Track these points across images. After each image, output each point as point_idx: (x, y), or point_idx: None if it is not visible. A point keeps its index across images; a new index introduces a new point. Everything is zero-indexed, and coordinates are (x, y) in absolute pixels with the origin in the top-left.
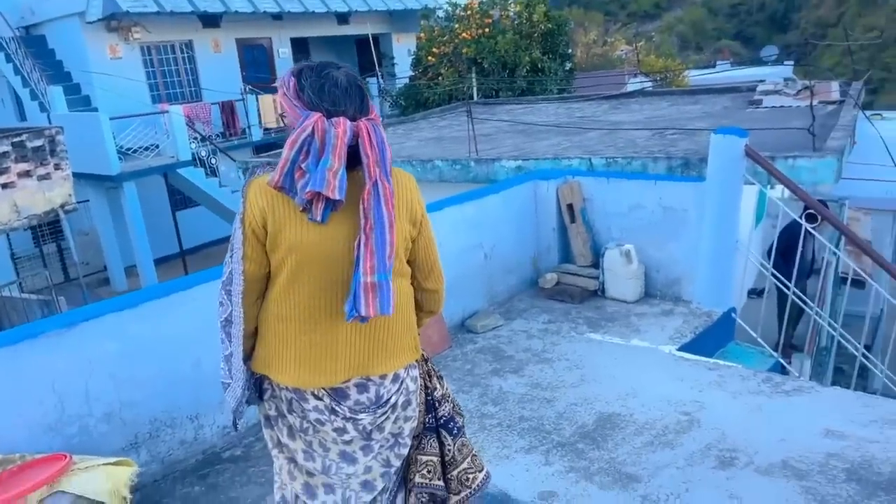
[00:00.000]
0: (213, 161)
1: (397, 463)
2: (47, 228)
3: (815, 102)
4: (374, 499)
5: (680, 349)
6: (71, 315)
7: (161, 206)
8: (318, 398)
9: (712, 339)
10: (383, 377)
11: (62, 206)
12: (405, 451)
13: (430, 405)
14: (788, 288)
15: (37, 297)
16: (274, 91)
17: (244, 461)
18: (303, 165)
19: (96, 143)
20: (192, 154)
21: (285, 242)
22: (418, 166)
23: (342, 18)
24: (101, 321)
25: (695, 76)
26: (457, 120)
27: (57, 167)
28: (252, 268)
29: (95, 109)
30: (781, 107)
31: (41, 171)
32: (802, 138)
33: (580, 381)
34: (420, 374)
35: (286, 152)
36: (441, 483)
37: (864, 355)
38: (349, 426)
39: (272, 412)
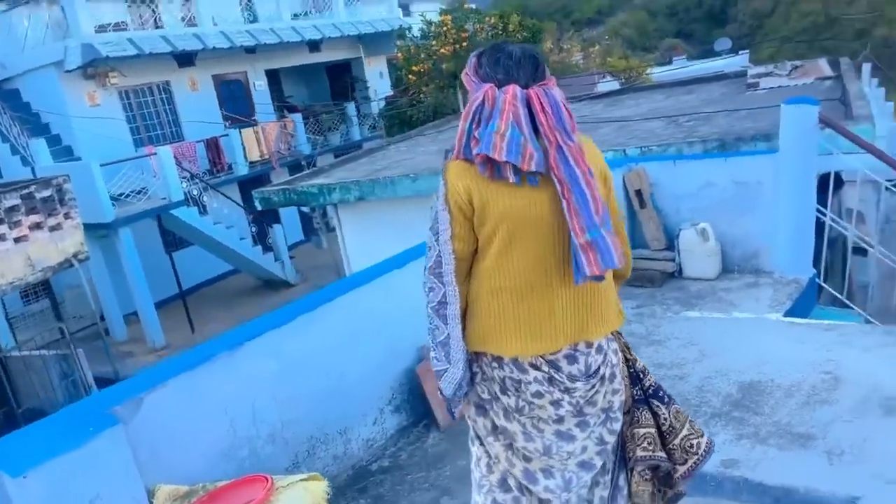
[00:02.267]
0: (204, 199)
1: (611, 439)
2: (39, 286)
3: (810, 80)
4: (595, 481)
5: (786, 315)
6: (235, 335)
7: (155, 249)
8: (536, 368)
9: (804, 304)
10: (589, 346)
11: (75, 256)
12: (618, 427)
13: (635, 377)
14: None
15: (53, 353)
16: (254, 124)
17: (397, 470)
18: (476, 134)
19: (88, 191)
20: (184, 194)
21: (495, 212)
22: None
23: (314, 46)
24: (262, 340)
25: (657, 73)
26: (455, 132)
27: (67, 216)
28: (461, 246)
29: (79, 158)
30: (780, 87)
31: (52, 221)
32: (830, 110)
33: (702, 356)
34: (619, 347)
35: (462, 124)
36: (663, 454)
37: None
38: (565, 398)
39: (485, 395)
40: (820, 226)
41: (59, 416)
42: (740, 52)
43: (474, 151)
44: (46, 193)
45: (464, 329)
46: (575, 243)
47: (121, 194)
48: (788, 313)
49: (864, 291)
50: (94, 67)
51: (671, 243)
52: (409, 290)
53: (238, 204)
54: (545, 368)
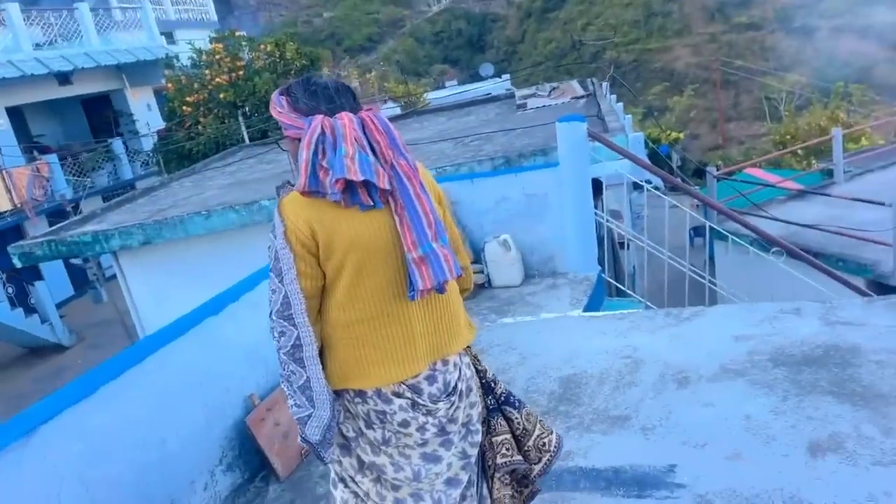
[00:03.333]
0: None
1: (473, 452)
2: None
3: (567, 99)
4: (463, 495)
5: (584, 310)
6: (26, 419)
7: None
8: (399, 396)
9: (597, 298)
10: (445, 363)
11: None
12: (478, 439)
13: (487, 387)
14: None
15: None
16: None
17: None
18: (324, 163)
19: None
20: None
21: (342, 244)
22: (242, 211)
23: (63, 79)
24: (59, 420)
25: (434, 97)
26: (245, 163)
27: None
28: (309, 284)
29: None
30: (544, 106)
31: None
32: (591, 125)
33: (522, 359)
34: (469, 360)
35: (305, 154)
36: (520, 457)
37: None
38: (430, 421)
39: (350, 433)
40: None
41: None
42: (503, 76)
43: (329, 179)
44: None
45: (323, 369)
46: (409, 258)
47: None
48: (587, 308)
49: (630, 279)
50: None
51: (478, 256)
52: (230, 337)
53: None
54: (408, 395)
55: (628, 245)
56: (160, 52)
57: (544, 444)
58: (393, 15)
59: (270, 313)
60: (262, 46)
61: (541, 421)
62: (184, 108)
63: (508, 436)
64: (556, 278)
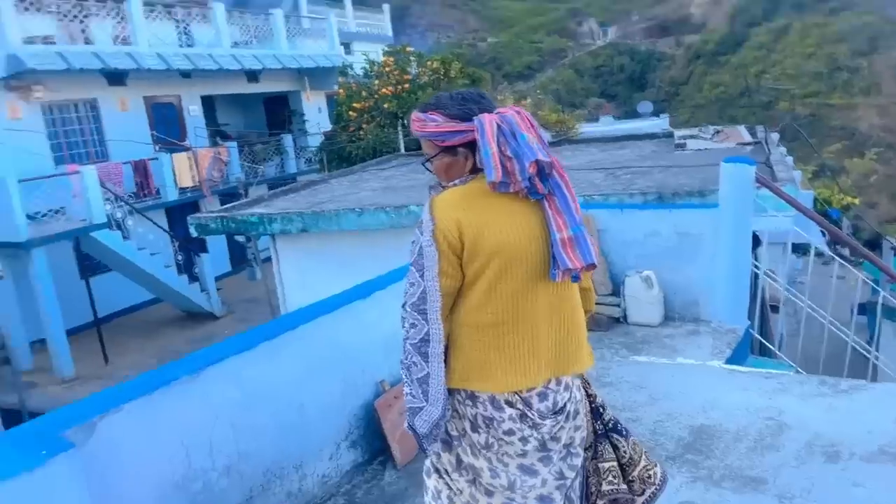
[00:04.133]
0: (128, 223)
1: (571, 475)
2: None
3: (732, 144)
4: None
5: (726, 363)
6: (195, 360)
7: (69, 272)
8: (511, 406)
9: (741, 353)
10: (559, 384)
11: None
12: (577, 462)
13: (596, 412)
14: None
15: None
16: (185, 149)
17: None
18: (508, 153)
19: (2, 208)
20: (107, 217)
21: (487, 248)
22: (392, 213)
23: (252, 76)
24: (223, 365)
25: (587, 129)
26: (399, 171)
27: None
28: (449, 283)
29: None
30: (706, 149)
31: None
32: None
33: (652, 400)
34: (580, 383)
35: (492, 148)
36: (625, 486)
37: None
38: (534, 434)
39: (454, 432)
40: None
41: (5, 438)
42: (661, 115)
43: (517, 168)
44: None
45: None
46: (556, 238)
47: (36, 213)
48: (729, 361)
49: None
50: (18, 80)
51: (617, 289)
52: (373, 322)
53: (165, 230)
54: (519, 406)
55: (780, 309)
56: (337, 60)
57: (649, 475)
58: (556, 45)
59: (404, 304)
60: (428, 63)
61: (646, 452)
62: (350, 113)
63: (615, 463)
64: (698, 324)
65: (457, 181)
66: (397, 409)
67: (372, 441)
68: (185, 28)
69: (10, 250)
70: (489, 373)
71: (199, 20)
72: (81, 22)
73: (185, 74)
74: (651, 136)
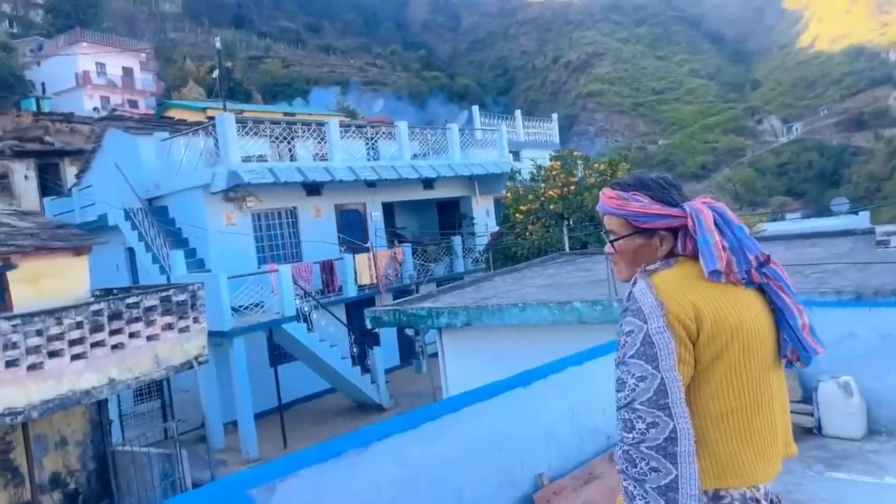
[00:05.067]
0: (313, 316)
1: None
2: (153, 386)
3: None
4: None
5: None
6: (363, 435)
7: (261, 361)
8: (756, 501)
9: None
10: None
11: (196, 358)
12: None
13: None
14: None
15: (159, 452)
16: (366, 250)
17: None
18: (724, 243)
19: (213, 300)
20: (296, 310)
21: (727, 328)
22: (555, 309)
23: (427, 184)
24: (388, 442)
25: (771, 228)
26: (563, 269)
27: (195, 320)
28: (687, 371)
29: (209, 271)
30: None
31: (182, 323)
32: None
33: None
34: None
35: (713, 238)
36: None
37: None
38: None
39: None
40: None
41: (199, 494)
42: (859, 213)
43: (735, 261)
44: (182, 298)
45: None
46: (797, 324)
47: (240, 306)
48: None
49: None
50: (235, 191)
51: (809, 396)
52: (533, 413)
53: (343, 324)
54: (763, 501)
55: None
56: (506, 167)
57: None
58: (732, 144)
59: (629, 403)
60: (595, 165)
61: None
62: (517, 215)
63: None
64: None
65: (657, 265)
66: None
67: None
68: (373, 144)
69: (216, 338)
70: (738, 466)
71: (385, 137)
72: (289, 143)
73: (371, 184)
74: (847, 233)
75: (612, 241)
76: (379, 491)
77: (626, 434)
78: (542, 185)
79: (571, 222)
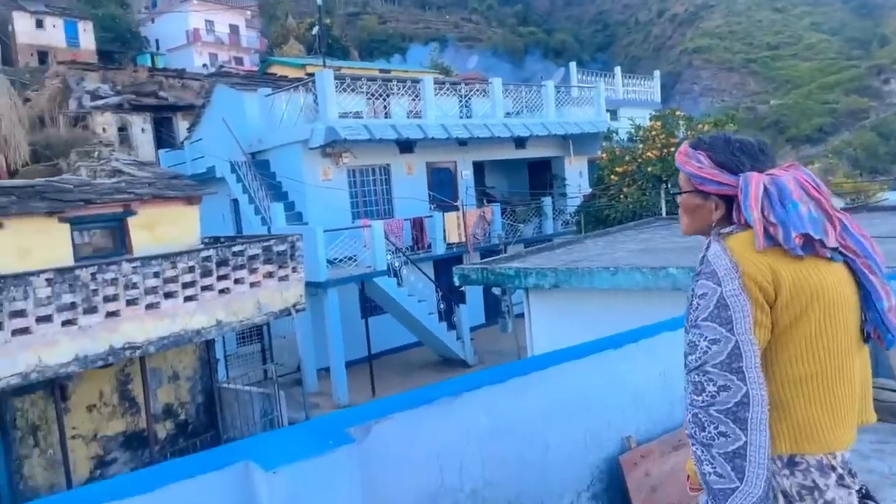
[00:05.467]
0: (403, 272)
1: None
2: (254, 330)
3: None
4: None
5: None
6: (454, 384)
7: (353, 312)
8: (834, 470)
9: None
10: None
11: (294, 306)
12: None
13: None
14: None
15: (260, 391)
16: (455, 209)
17: None
18: (772, 219)
19: (310, 252)
20: (387, 265)
21: (806, 291)
22: (649, 274)
23: (520, 143)
24: (478, 393)
25: (893, 197)
26: (658, 233)
27: (294, 270)
28: (763, 334)
29: (306, 223)
30: None
31: (282, 272)
32: None
33: None
34: None
35: (754, 214)
36: None
37: None
38: (847, 501)
39: None
40: None
41: (303, 427)
42: None
43: (782, 236)
44: (282, 248)
45: None
46: (883, 307)
47: (334, 259)
48: None
49: None
50: (332, 147)
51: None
52: (623, 375)
53: (431, 280)
54: (840, 469)
55: None
56: (603, 126)
57: None
58: (854, 105)
59: (700, 365)
60: (699, 126)
61: None
62: (612, 176)
63: None
64: None
65: (733, 227)
66: (643, 469)
67: (614, 497)
68: (466, 102)
69: (312, 289)
70: (817, 432)
71: (479, 94)
72: (384, 100)
73: (462, 142)
74: None
75: (675, 194)
76: (468, 439)
77: (695, 397)
78: (641, 146)
79: (670, 186)
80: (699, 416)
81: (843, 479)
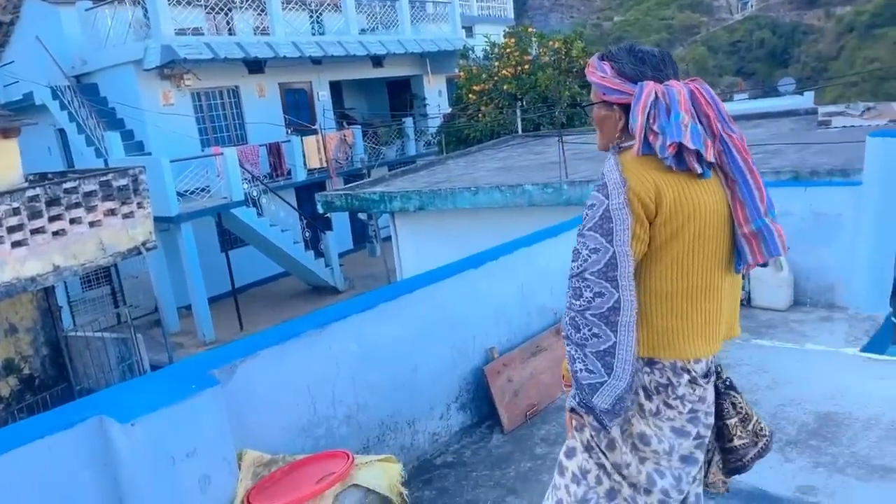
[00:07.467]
0: (262, 201)
1: (707, 433)
2: (101, 273)
3: (884, 121)
4: (693, 476)
5: (862, 350)
6: (322, 315)
7: (212, 246)
8: (687, 371)
9: (880, 341)
10: None
11: (144, 244)
12: (712, 421)
13: (715, 372)
14: None
15: (114, 336)
16: (314, 133)
17: (461, 466)
18: (654, 127)
19: (156, 185)
20: (245, 195)
21: (684, 210)
22: (507, 192)
23: (377, 61)
24: (346, 322)
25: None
26: (515, 151)
27: (140, 206)
28: (641, 248)
29: (149, 154)
30: (852, 126)
31: (125, 209)
32: None
33: (774, 384)
34: None
35: (640, 119)
36: (749, 441)
37: None
38: (695, 399)
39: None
40: None
41: (162, 373)
42: (804, 93)
43: (658, 145)
44: (122, 182)
45: None
46: (739, 233)
47: (185, 191)
48: (865, 349)
49: None
50: (171, 68)
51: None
52: (485, 292)
53: (294, 208)
54: (693, 371)
55: None
56: (459, 43)
57: (761, 428)
58: (688, 21)
59: (581, 272)
60: (550, 43)
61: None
62: (470, 95)
63: (736, 419)
64: (831, 311)
65: (632, 143)
66: (505, 376)
67: (480, 405)
68: (318, 17)
69: (162, 224)
70: (674, 341)
71: (331, 9)
72: (226, 14)
73: (316, 61)
74: (790, 114)
75: (584, 106)
76: (338, 368)
77: (574, 301)
78: (496, 63)
79: (524, 103)
80: (576, 319)
81: (696, 381)
